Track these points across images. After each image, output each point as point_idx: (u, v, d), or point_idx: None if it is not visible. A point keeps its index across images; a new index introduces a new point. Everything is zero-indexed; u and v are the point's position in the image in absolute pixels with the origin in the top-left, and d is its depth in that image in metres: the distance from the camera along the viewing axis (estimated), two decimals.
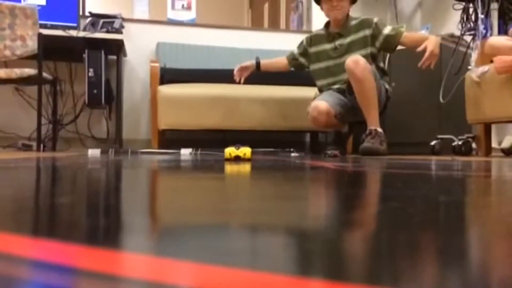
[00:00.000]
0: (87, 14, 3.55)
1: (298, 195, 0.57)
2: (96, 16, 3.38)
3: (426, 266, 0.23)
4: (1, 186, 0.65)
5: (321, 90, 3.03)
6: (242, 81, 3.12)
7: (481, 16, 2.85)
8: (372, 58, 2.85)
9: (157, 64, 3.37)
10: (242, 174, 0.92)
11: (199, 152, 2.89)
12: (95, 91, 3.19)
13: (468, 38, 3.06)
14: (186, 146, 3.25)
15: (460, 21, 3.11)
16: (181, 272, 0.22)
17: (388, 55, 3.35)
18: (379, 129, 2.69)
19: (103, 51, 3.21)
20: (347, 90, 2.80)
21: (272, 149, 3.27)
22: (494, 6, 2.84)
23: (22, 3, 3.21)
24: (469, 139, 2.86)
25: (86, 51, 3.18)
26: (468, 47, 3.04)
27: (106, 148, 3.01)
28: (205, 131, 3.35)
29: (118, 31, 3.28)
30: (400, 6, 4.30)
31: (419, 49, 2.64)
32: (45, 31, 3.03)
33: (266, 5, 6.18)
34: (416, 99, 3.27)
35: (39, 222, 0.36)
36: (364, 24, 2.86)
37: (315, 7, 3.92)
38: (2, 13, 2.88)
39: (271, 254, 0.25)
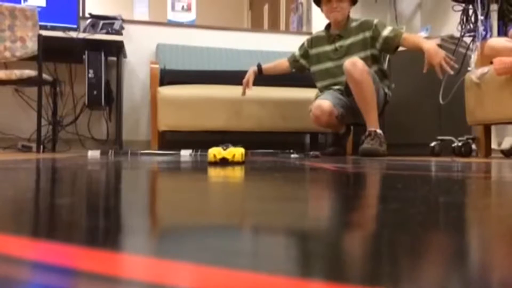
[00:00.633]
0: (87, 15, 3.56)
1: (297, 196, 0.57)
2: (96, 18, 3.38)
3: (426, 267, 0.23)
4: (1, 187, 0.65)
5: (321, 91, 3.04)
6: (249, 87, 3.13)
7: (480, 17, 2.86)
8: (373, 60, 2.85)
9: (157, 66, 3.38)
10: (241, 176, 0.92)
11: (199, 153, 2.89)
12: (95, 92, 3.19)
13: (468, 39, 3.07)
14: (186, 147, 3.25)
15: (460, 23, 3.12)
16: (181, 273, 0.22)
17: (387, 56, 3.35)
18: (379, 130, 2.69)
19: (103, 52, 3.21)
20: (345, 92, 2.80)
21: (271, 150, 3.27)
22: (494, 7, 2.85)
23: (22, 5, 3.21)
24: (469, 141, 2.86)
25: (86, 52, 3.18)
26: (467, 48, 3.05)
27: (106, 149, 3.01)
28: (205, 133, 3.35)
29: (118, 32, 3.28)
30: (400, 8, 4.30)
31: (425, 70, 2.58)
32: (45, 33, 3.03)
33: (266, 7, 6.18)
34: (416, 100, 3.27)
35: (39, 224, 0.36)
36: (364, 25, 2.86)
37: (315, 8, 3.93)
38: (2, 14, 2.88)
39: (271, 256, 0.25)
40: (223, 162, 1.43)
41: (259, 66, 3.16)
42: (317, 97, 2.99)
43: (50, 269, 0.22)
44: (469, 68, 2.85)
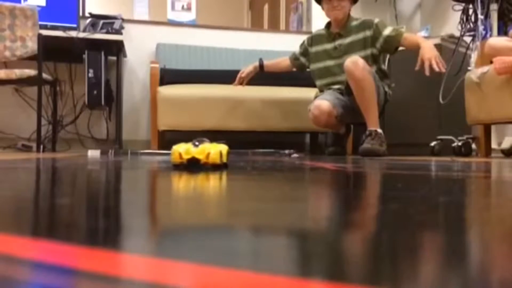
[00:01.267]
0: (87, 15, 3.56)
1: (297, 196, 0.57)
2: (96, 17, 3.38)
3: (427, 267, 0.23)
4: (1, 187, 0.65)
5: (321, 90, 3.04)
6: (243, 84, 3.14)
7: (480, 17, 2.86)
8: (373, 60, 2.85)
9: (157, 65, 3.38)
10: (241, 175, 0.92)
11: None
12: (95, 92, 3.19)
13: (468, 39, 3.07)
14: None
15: (460, 22, 3.12)
16: (181, 273, 0.22)
17: (388, 56, 3.35)
18: (379, 130, 2.69)
19: (103, 52, 3.21)
20: (345, 91, 2.80)
21: (271, 150, 3.27)
22: (494, 7, 2.85)
23: (22, 4, 3.21)
24: (469, 140, 2.86)
25: (86, 52, 3.18)
26: (467, 48, 3.05)
27: (106, 149, 3.01)
28: (205, 132, 3.35)
29: (118, 32, 3.28)
30: (400, 7, 4.30)
31: (417, 67, 2.61)
32: (45, 32, 3.03)
33: (266, 6, 6.18)
34: (416, 100, 3.27)
35: (39, 223, 0.36)
36: (364, 25, 2.86)
37: (314, 8, 3.93)
38: (2, 14, 2.88)
39: (271, 255, 0.25)
40: (193, 164, 1.08)
41: (261, 62, 3.16)
42: (316, 97, 2.99)
43: (50, 268, 0.22)
44: (469, 68, 2.85)
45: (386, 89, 2.91)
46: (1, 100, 3.57)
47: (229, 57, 3.86)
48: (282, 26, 5.28)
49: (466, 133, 2.95)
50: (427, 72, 2.53)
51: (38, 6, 3.24)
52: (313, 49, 3.05)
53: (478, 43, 2.84)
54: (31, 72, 2.93)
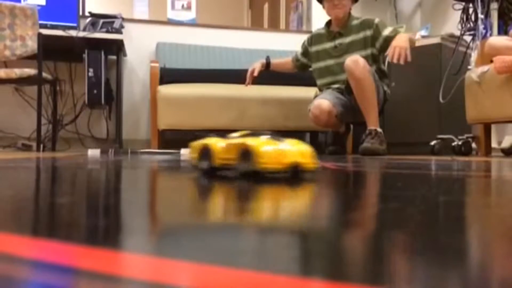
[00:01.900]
0: (87, 14, 3.56)
1: (298, 195, 0.57)
2: (96, 16, 3.38)
3: (426, 267, 0.23)
4: (1, 186, 0.65)
5: (320, 90, 3.04)
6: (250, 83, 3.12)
7: (481, 16, 2.85)
8: (373, 59, 2.85)
9: (157, 64, 3.37)
10: (241, 175, 0.92)
11: None
12: (95, 91, 3.19)
13: (468, 38, 3.06)
14: (186, 146, 3.24)
15: (460, 21, 3.11)
16: (181, 272, 0.22)
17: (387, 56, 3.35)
18: (379, 129, 2.69)
19: (103, 51, 3.21)
20: (346, 90, 2.80)
21: None
22: (494, 6, 2.84)
23: (22, 3, 3.21)
24: (469, 139, 2.86)
25: (86, 51, 3.18)
26: (468, 47, 3.05)
27: (106, 148, 3.01)
28: (205, 132, 3.35)
29: (118, 31, 3.28)
30: (400, 6, 4.30)
31: (386, 53, 2.68)
32: (45, 31, 3.03)
33: (266, 5, 6.18)
34: (416, 99, 3.27)
35: (39, 222, 0.36)
36: (365, 24, 2.86)
37: (315, 7, 3.92)
38: (2, 13, 2.88)
39: (271, 255, 0.25)
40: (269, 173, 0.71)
41: (268, 60, 3.13)
42: (315, 96, 2.99)
43: (50, 268, 0.22)
44: (469, 67, 2.85)
45: (385, 88, 2.91)
46: (1, 100, 3.57)
47: (229, 57, 3.86)
48: (282, 25, 5.28)
49: (466, 132, 2.95)
50: (389, 58, 2.64)
51: (38, 5, 3.24)
52: (313, 49, 3.05)
53: (478, 42, 2.84)
54: (31, 71, 2.93)
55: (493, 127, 2.96)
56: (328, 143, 3.18)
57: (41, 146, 3.05)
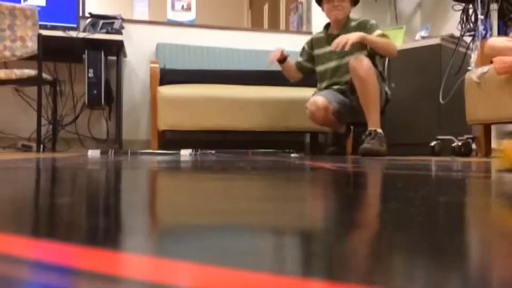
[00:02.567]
0: (87, 15, 3.55)
1: (297, 196, 0.57)
2: (96, 17, 3.38)
3: (426, 267, 0.23)
4: (1, 186, 0.65)
5: (320, 91, 3.04)
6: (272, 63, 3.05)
7: (480, 16, 2.86)
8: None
9: (157, 65, 3.37)
10: (242, 175, 0.92)
11: (199, 153, 2.89)
12: (95, 91, 3.19)
13: (468, 38, 3.06)
14: (186, 147, 3.25)
15: (460, 22, 3.12)
16: (181, 273, 0.22)
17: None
18: (379, 130, 2.69)
19: (103, 52, 3.21)
20: (349, 90, 2.81)
21: (271, 150, 3.27)
22: (494, 6, 2.85)
23: (22, 4, 3.21)
24: (469, 140, 2.86)
25: (86, 51, 3.18)
26: (468, 47, 3.05)
27: (106, 149, 3.01)
28: (205, 132, 3.35)
29: (118, 32, 3.28)
30: (400, 7, 4.30)
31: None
32: (45, 32, 3.03)
33: (266, 6, 6.18)
34: (416, 99, 3.27)
35: (39, 223, 0.36)
36: (362, 25, 2.87)
37: (314, 8, 3.92)
38: (2, 14, 2.88)
39: (271, 255, 0.25)
40: None
41: (286, 55, 3.05)
42: (314, 95, 2.99)
43: (50, 268, 0.22)
44: (469, 68, 2.85)
45: (386, 89, 2.92)
46: (1, 100, 3.57)
47: (229, 57, 3.86)
48: (282, 26, 5.28)
49: (466, 133, 2.95)
50: (333, 46, 2.63)
51: (38, 6, 3.24)
52: (315, 52, 3.05)
53: (478, 43, 2.84)
54: (31, 72, 2.93)
55: (493, 127, 2.96)
56: (328, 144, 3.17)
57: (41, 146, 3.05)
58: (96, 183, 0.74)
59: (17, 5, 2.96)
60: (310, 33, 3.55)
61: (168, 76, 3.35)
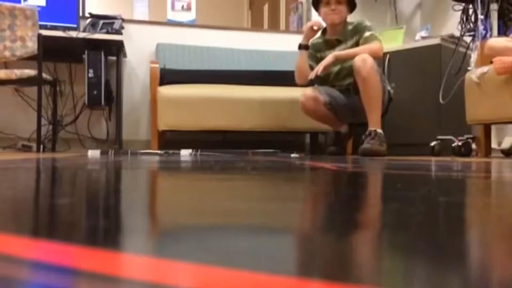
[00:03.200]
0: (87, 15, 3.56)
1: (298, 196, 0.57)
2: (96, 17, 3.38)
3: (426, 267, 0.23)
4: (1, 187, 0.65)
5: None
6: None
7: (480, 16, 2.86)
8: None
9: (157, 65, 3.37)
10: (242, 175, 0.92)
11: (199, 153, 2.89)
12: (95, 92, 3.19)
13: (468, 39, 3.07)
14: (186, 147, 3.25)
15: (460, 22, 3.12)
16: (181, 273, 0.22)
17: (387, 56, 3.35)
18: (379, 130, 2.69)
19: (103, 52, 3.21)
20: (353, 90, 2.82)
21: (272, 150, 3.27)
22: (494, 7, 2.85)
23: (22, 4, 3.21)
24: (469, 140, 2.86)
25: (86, 52, 3.18)
26: (468, 47, 3.05)
27: (106, 149, 3.01)
28: (205, 132, 3.35)
29: (118, 32, 3.28)
30: (400, 7, 4.30)
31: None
32: (45, 32, 3.03)
33: (266, 6, 6.18)
34: (416, 100, 3.27)
35: (39, 223, 0.36)
36: (357, 28, 2.87)
37: None
38: (2, 14, 2.88)
39: (271, 255, 0.25)
40: None
41: (306, 45, 2.98)
42: None
43: (50, 268, 0.22)
44: (469, 68, 2.85)
45: (389, 87, 2.93)
46: (1, 100, 3.57)
47: (229, 57, 3.86)
48: (282, 26, 5.28)
49: (466, 133, 2.96)
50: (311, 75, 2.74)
51: (38, 6, 3.24)
52: (318, 55, 3.05)
53: (478, 43, 2.84)
54: (31, 72, 2.93)
55: (493, 128, 2.96)
56: (328, 144, 3.17)
57: (41, 147, 3.05)
58: (96, 184, 0.74)
59: (17, 5, 2.96)
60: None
61: (168, 76, 3.35)
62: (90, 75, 3.18)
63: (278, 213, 0.41)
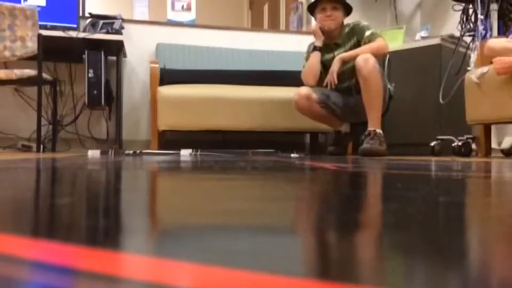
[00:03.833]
0: (87, 15, 3.55)
1: (298, 196, 0.57)
2: (96, 17, 3.38)
3: (426, 267, 0.23)
4: (1, 187, 0.65)
5: None
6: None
7: (480, 16, 2.86)
8: None
9: (157, 65, 3.37)
10: (242, 175, 0.92)
11: (199, 153, 2.89)
12: (95, 92, 3.19)
13: (468, 39, 3.06)
14: (186, 147, 3.25)
15: (460, 22, 3.12)
16: (181, 273, 0.22)
17: (388, 56, 3.35)
18: (378, 130, 2.69)
19: (103, 52, 3.21)
20: (354, 89, 2.83)
21: (271, 150, 3.27)
22: (494, 7, 2.85)
23: (22, 4, 3.21)
24: (469, 140, 2.86)
25: (86, 52, 3.18)
26: (467, 48, 3.05)
27: (106, 149, 3.01)
28: (205, 132, 3.35)
29: (118, 32, 3.28)
30: (400, 7, 4.30)
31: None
32: (45, 32, 3.03)
33: (266, 6, 6.18)
34: (416, 99, 3.27)
35: (39, 223, 0.36)
36: (354, 30, 2.87)
37: None
38: (2, 14, 2.88)
39: (271, 255, 0.25)
40: None
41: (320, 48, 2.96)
42: None
43: (50, 268, 0.22)
44: (468, 68, 2.85)
45: (389, 85, 2.93)
46: (1, 100, 3.57)
47: (229, 57, 3.86)
48: (282, 26, 5.28)
49: (466, 133, 2.96)
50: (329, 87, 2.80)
51: (38, 6, 3.24)
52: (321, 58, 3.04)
53: (478, 43, 2.84)
54: (31, 72, 2.93)
55: (493, 127, 2.96)
56: (328, 144, 3.17)
57: (41, 147, 3.05)
58: (96, 184, 0.74)
59: (17, 5, 2.96)
60: (310, 33, 3.53)
61: (168, 76, 3.35)
62: (90, 75, 3.18)
63: (278, 213, 0.41)
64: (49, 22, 3.37)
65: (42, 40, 2.96)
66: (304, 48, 3.17)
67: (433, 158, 2.37)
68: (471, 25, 3.00)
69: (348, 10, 2.94)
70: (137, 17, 3.87)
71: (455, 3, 3.13)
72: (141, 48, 3.80)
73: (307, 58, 3.03)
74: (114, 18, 3.39)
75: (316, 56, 2.92)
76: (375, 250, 0.27)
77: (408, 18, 4.32)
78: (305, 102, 2.85)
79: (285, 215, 0.41)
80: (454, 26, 3.40)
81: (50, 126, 3.46)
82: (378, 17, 4.19)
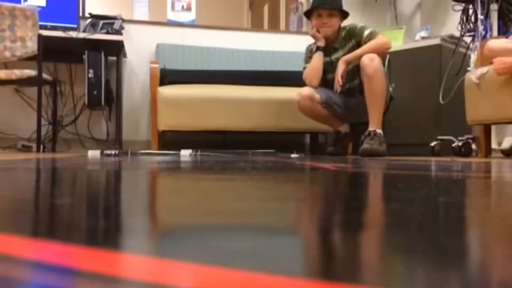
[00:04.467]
0: (87, 15, 3.55)
1: (298, 196, 0.57)
2: (96, 17, 3.38)
3: (426, 267, 0.23)
4: (1, 187, 0.65)
5: None
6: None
7: (480, 17, 2.86)
8: None
9: (157, 65, 3.37)
10: (242, 175, 0.92)
11: (199, 153, 2.89)
12: (95, 92, 3.19)
13: (468, 39, 3.07)
14: (186, 147, 3.25)
15: (460, 22, 3.12)
16: (181, 273, 0.22)
17: (387, 56, 3.35)
18: (378, 130, 2.69)
19: (103, 52, 3.21)
20: (358, 89, 2.83)
21: (271, 150, 3.27)
22: (494, 7, 2.85)
23: (22, 4, 3.21)
24: (469, 140, 2.86)
25: (86, 52, 3.18)
26: (467, 48, 3.05)
27: (106, 149, 3.00)
28: (205, 132, 3.35)
29: (118, 32, 3.28)
30: (400, 7, 4.30)
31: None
32: (45, 32, 3.03)
33: (266, 7, 6.18)
34: (416, 100, 3.27)
35: (39, 223, 0.36)
36: (351, 32, 2.86)
37: None
38: (2, 14, 2.88)
39: (271, 255, 0.25)
40: None
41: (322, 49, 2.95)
42: None
43: (50, 268, 0.22)
44: (468, 68, 2.85)
45: (390, 88, 2.94)
46: (1, 100, 3.57)
47: (229, 57, 3.86)
48: (282, 26, 5.28)
49: (466, 133, 2.96)
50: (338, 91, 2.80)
51: (38, 7, 3.24)
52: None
53: (478, 43, 2.84)
54: (31, 72, 2.93)
55: (493, 128, 2.96)
56: (328, 144, 3.17)
57: (41, 147, 3.05)
58: (96, 184, 0.74)
59: (17, 5, 2.96)
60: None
61: (168, 76, 3.35)
62: (90, 75, 3.18)
63: (278, 213, 0.41)
64: (49, 23, 3.37)
65: (42, 40, 2.96)
66: (304, 48, 3.17)
67: (433, 159, 2.37)
68: (471, 25, 3.00)
69: (344, 15, 2.93)
70: (137, 17, 3.87)
71: (455, 3, 3.13)
72: (141, 48, 3.80)
73: (306, 60, 3.03)
74: (114, 18, 3.39)
75: (319, 57, 2.92)
76: (375, 250, 0.27)
77: (408, 18, 4.32)
78: (307, 103, 2.85)
79: (285, 215, 0.41)
80: (454, 26, 3.40)
81: (50, 126, 3.47)
82: (378, 17, 4.19)
